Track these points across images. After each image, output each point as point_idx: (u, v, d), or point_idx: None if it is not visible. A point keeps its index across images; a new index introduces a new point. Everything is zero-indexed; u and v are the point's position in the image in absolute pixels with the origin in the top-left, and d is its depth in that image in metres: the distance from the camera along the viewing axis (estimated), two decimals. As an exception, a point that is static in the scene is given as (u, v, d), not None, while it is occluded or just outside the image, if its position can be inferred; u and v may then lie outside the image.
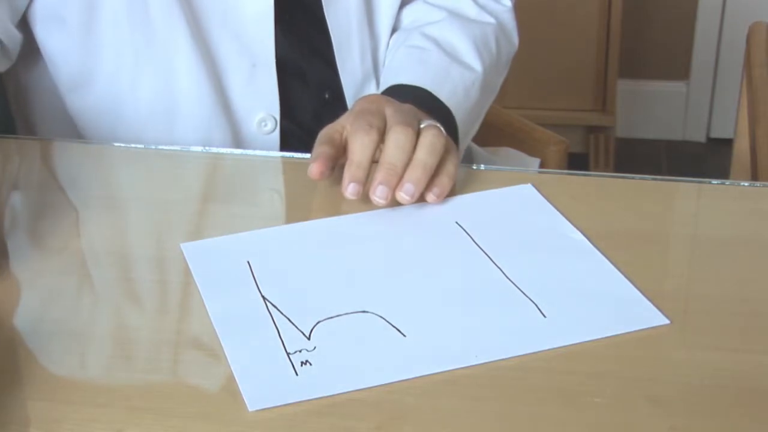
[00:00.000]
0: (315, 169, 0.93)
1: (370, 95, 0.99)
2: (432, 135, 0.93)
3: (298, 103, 1.14)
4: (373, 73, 1.15)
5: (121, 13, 1.06)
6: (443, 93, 1.07)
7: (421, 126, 0.94)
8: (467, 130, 1.12)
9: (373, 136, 0.92)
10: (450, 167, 0.95)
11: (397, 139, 0.91)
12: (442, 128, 0.95)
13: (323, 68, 1.14)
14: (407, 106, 0.97)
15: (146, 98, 1.10)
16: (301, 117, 1.13)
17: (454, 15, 1.16)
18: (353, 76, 1.15)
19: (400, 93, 1.05)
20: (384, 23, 1.15)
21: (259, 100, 1.12)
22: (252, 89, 1.12)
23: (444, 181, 0.94)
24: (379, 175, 0.91)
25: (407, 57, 1.12)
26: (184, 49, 1.08)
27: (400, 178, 0.91)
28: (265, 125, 1.12)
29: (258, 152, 1.08)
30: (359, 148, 0.92)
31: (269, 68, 1.11)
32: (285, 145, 1.12)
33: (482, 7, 1.18)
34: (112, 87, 1.10)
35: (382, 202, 0.91)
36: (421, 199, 0.94)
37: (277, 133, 1.13)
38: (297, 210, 0.99)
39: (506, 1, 1.21)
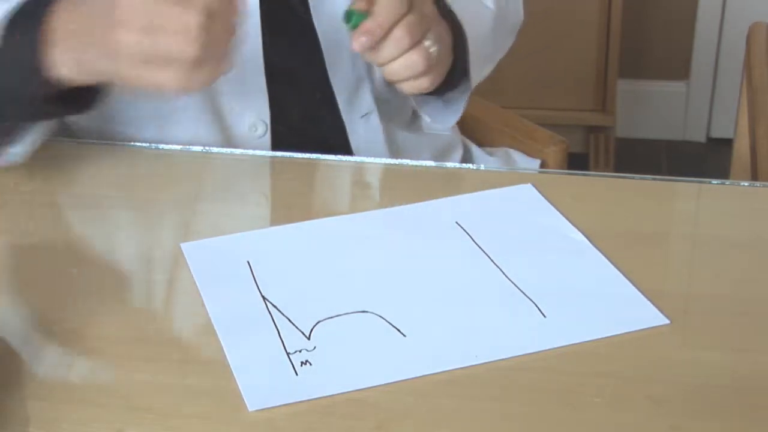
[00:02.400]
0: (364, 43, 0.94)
1: None
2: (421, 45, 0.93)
3: (289, 106, 1.13)
4: (366, 76, 1.13)
5: None
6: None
7: (424, 43, 0.94)
8: (475, 59, 1.10)
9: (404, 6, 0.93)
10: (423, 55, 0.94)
11: (399, 43, 0.92)
12: (436, 52, 0.94)
13: (313, 71, 1.13)
14: (431, 11, 0.96)
15: (134, 101, 1.09)
16: (292, 120, 1.12)
17: None
18: (345, 80, 1.13)
19: None
20: None
21: (249, 105, 1.11)
22: (241, 93, 1.11)
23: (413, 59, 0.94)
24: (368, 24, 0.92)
25: None
26: None
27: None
28: (256, 129, 1.11)
29: (257, 152, 1.08)
30: (384, 10, 0.92)
31: (258, 72, 1.10)
32: (277, 148, 1.11)
33: None
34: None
35: (356, 47, 0.92)
36: (421, 198, 0.94)
37: (268, 137, 1.12)
38: (296, 210, 0.99)
39: None
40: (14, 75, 0.91)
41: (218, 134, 1.11)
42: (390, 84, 0.98)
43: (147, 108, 1.09)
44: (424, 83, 0.96)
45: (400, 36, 0.92)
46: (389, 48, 0.93)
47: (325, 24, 1.10)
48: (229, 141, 1.11)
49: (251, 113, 1.11)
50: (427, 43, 0.94)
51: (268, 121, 1.11)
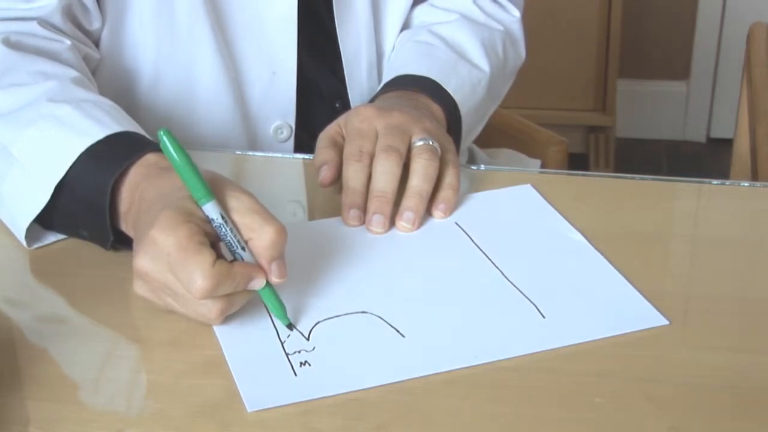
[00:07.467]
0: (327, 177, 0.94)
1: (361, 110, 0.97)
2: (425, 159, 0.92)
3: (312, 112, 1.15)
4: (378, 87, 1.16)
5: (147, 11, 1.06)
6: (450, 86, 1.07)
7: (415, 144, 0.93)
8: (470, 128, 1.12)
9: (365, 161, 0.93)
10: (451, 179, 0.94)
11: (383, 167, 0.92)
12: (435, 144, 0.94)
13: (333, 81, 1.16)
14: (402, 117, 0.95)
15: (165, 99, 1.10)
16: (314, 126, 1.14)
17: (464, 17, 1.16)
18: (360, 90, 1.17)
19: (407, 82, 1.06)
20: (389, 43, 1.18)
21: (277, 108, 1.14)
22: (270, 96, 1.13)
23: (448, 195, 0.94)
24: (372, 204, 0.91)
25: (414, 51, 1.13)
26: (206, 52, 1.08)
27: (392, 203, 0.91)
28: (281, 133, 1.14)
29: (257, 153, 1.08)
30: (352, 175, 0.93)
31: (289, 76, 1.12)
32: (298, 152, 1.13)
33: (490, 15, 1.18)
34: (130, 84, 1.10)
35: (379, 230, 0.91)
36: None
37: (291, 141, 1.15)
38: (295, 210, 0.99)
39: (514, 12, 1.21)
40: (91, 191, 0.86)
41: (244, 135, 1.14)
42: None
43: (176, 104, 1.10)
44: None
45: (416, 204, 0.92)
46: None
47: (347, 38, 1.13)
48: (254, 142, 1.14)
49: (278, 116, 1.13)
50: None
51: (293, 125, 1.14)
